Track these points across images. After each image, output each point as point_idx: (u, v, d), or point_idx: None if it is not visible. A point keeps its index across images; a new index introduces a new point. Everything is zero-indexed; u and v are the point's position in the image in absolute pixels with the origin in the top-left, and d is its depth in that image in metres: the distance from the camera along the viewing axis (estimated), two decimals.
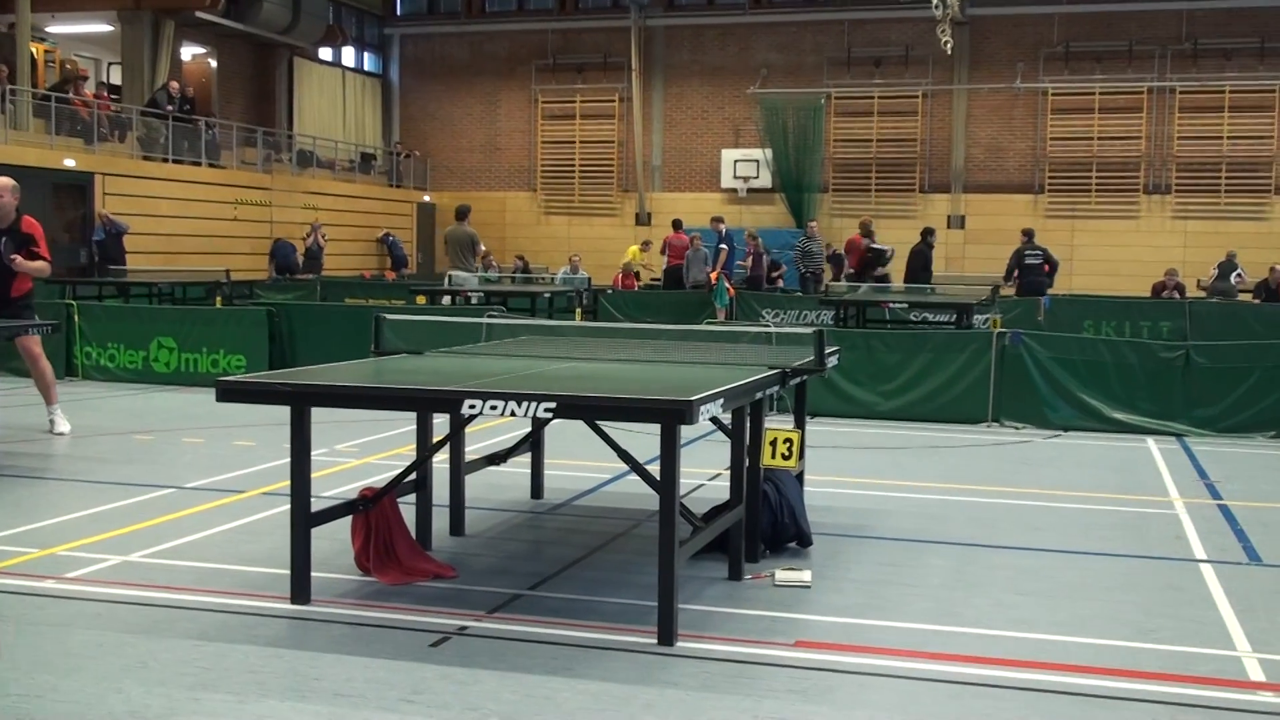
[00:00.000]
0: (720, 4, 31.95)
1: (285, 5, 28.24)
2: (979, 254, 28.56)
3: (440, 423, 6.84)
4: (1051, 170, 29.69)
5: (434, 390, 5.36)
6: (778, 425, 6.60)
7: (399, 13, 34.58)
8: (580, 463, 8.75)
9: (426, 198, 33.71)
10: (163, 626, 5.11)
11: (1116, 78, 29.15)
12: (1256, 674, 4.81)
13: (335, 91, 32.63)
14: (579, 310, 18.47)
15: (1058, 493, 8.37)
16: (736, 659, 4.83)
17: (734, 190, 31.39)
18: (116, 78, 27.75)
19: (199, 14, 26.37)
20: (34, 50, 24.38)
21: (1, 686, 4.33)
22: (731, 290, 20.41)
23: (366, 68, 34.22)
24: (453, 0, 33.97)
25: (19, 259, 9.63)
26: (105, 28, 26.89)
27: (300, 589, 5.44)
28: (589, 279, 23.26)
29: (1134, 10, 29.01)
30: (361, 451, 9.43)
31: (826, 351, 6.75)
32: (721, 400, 5.12)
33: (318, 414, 5.58)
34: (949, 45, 26.63)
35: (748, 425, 6.15)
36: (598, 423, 6.08)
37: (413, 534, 6.25)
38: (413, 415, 6.74)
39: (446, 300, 17.36)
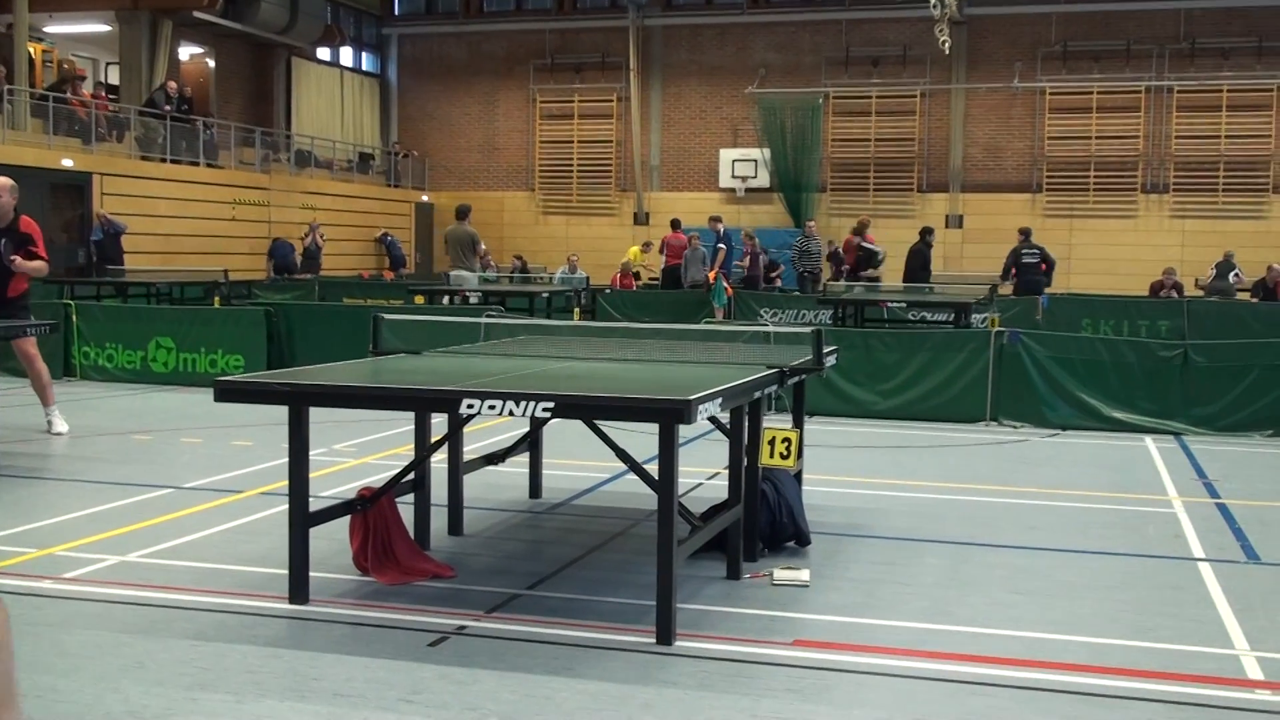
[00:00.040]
0: (718, 4, 31.96)
1: (283, 5, 28.24)
2: (977, 253, 28.59)
3: (439, 422, 6.84)
4: (1049, 169, 29.72)
5: (432, 390, 5.36)
6: (776, 424, 6.61)
7: (397, 12, 34.59)
8: (578, 462, 8.75)
9: (424, 197, 33.71)
10: (161, 627, 5.10)
11: (1114, 77, 29.18)
12: (1255, 672, 4.81)
13: (333, 91, 32.63)
14: (577, 310, 18.46)
15: (1056, 492, 8.38)
16: (735, 658, 4.83)
17: (732, 190, 31.40)
18: (114, 78, 27.75)
19: (197, 14, 26.38)
20: (32, 50, 24.39)
21: None
22: (730, 290, 20.42)
23: (364, 68, 34.22)
24: (450, 0, 33.98)
25: (18, 260, 9.63)
26: (103, 28, 26.89)
27: (298, 589, 5.44)
28: (587, 278, 23.27)
29: (1131, 10, 29.04)
30: (360, 451, 9.43)
31: (825, 351, 6.75)
32: (720, 400, 5.12)
33: (316, 414, 5.58)
34: (947, 45, 26.66)
35: (746, 424, 6.15)
36: (596, 422, 6.08)
37: (411, 534, 6.25)
38: (411, 415, 6.74)
39: (447, 300, 17.35)
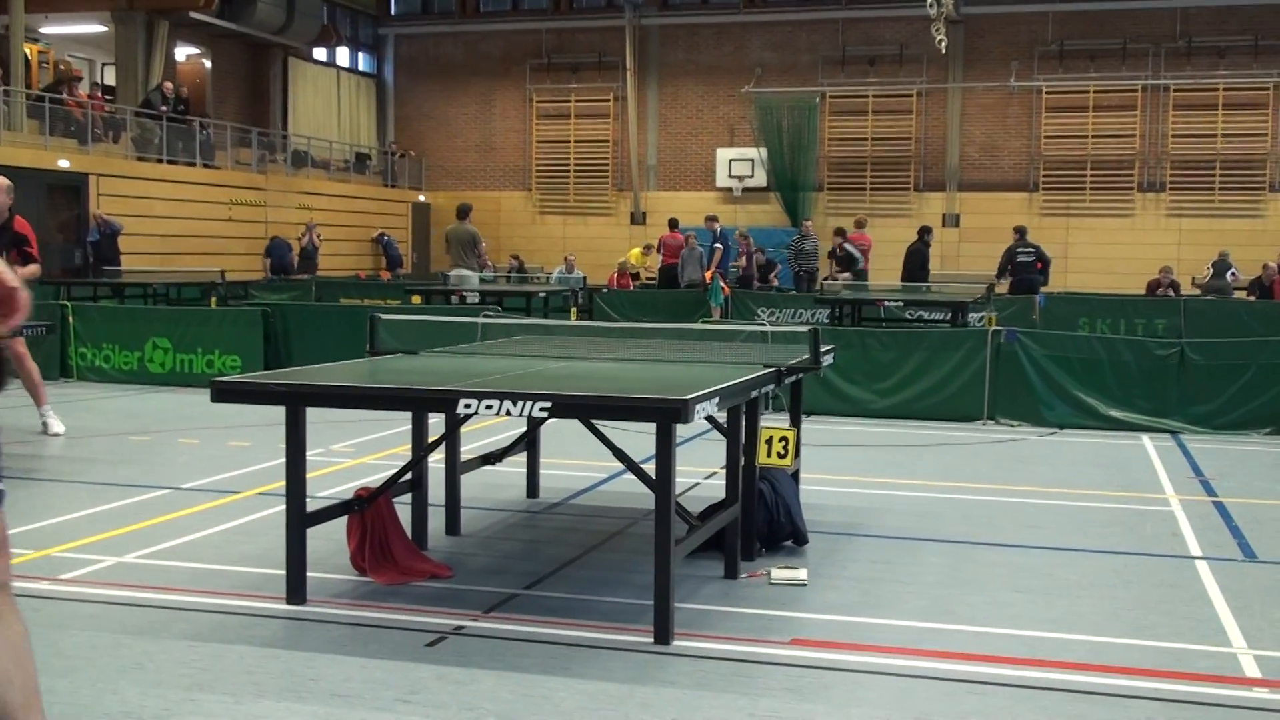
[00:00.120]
0: (715, 3, 31.96)
1: (279, 5, 28.22)
2: (974, 252, 28.59)
3: (436, 422, 6.84)
4: (1046, 168, 29.73)
5: (429, 390, 5.36)
6: (773, 424, 6.61)
7: (393, 12, 34.56)
8: (576, 462, 8.75)
9: (421, 197, 33.69)
10: (158, 627, 5.10)
11: (1111, 76, 29.19)
12: (1252, 670, 4.81)
13: (330, 91, 32.62)
14: (574, 310, 18.46)
15: (1053, 490, 8.38)
16: (733, 657, 4.83)
17: (729, 189, 31.40)
18: (110, 78, 27.70)
19: (193, 14, 26.36)
20: (28, 51, 24.36)
21: None
22: (727, 289, 20.42)
23: (361, 68, 34.20)
24: (447, 0, 33.96)
25: (16, 269, 9.61)
26: (99, 28, 26.85)
27: (296, 589, 5.43)
28: (584, 278, 23.26)
29: (1128, 8, 29.06)
30: (357, 451, 9.42)
31: (822, 350, 6.75)
32: (717, 399, 5.12)
33: (313, 414, 5.57)
34: (943, 44, 26.64)
35: (743, 424, 6.15)
36: (593, 422, 6.08)
37: (408, 534, 6.24)
38: (408, 415, 6.74)
39: (455, 300, 17.32)
